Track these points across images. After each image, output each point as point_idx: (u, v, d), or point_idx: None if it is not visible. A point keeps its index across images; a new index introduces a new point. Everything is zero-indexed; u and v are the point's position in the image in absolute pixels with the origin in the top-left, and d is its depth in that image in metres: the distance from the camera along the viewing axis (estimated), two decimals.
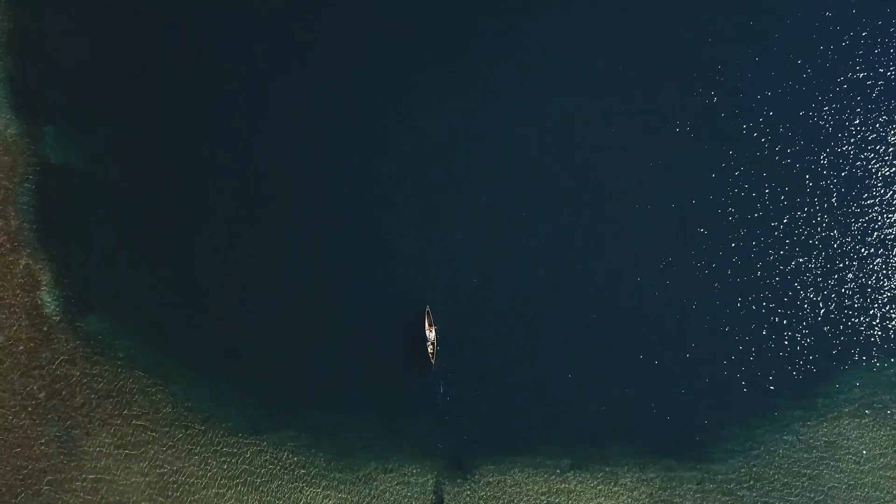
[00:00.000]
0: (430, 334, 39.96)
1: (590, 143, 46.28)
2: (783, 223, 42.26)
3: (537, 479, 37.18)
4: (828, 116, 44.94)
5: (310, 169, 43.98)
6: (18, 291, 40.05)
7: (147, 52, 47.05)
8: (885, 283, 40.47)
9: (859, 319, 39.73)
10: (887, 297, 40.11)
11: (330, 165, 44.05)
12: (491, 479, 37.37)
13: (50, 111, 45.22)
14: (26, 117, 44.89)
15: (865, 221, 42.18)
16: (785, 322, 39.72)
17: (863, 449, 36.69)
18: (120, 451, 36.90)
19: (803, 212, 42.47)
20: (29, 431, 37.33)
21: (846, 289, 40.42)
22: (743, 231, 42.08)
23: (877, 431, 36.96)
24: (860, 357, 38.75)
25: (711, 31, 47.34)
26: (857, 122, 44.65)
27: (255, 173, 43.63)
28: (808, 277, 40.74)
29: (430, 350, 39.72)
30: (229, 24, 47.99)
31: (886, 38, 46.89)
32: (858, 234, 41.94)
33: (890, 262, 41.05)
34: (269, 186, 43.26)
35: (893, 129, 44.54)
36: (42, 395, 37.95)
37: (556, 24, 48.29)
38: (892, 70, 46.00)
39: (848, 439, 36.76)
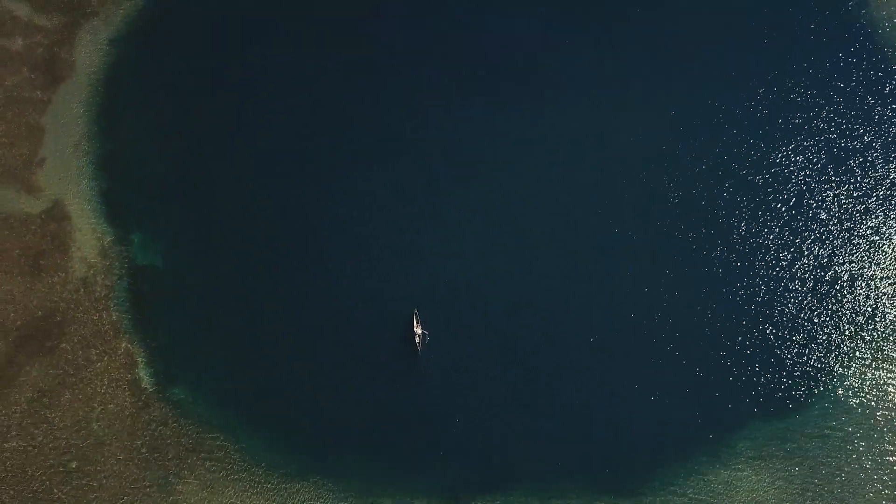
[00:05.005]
0: (418, 330, 51.06)
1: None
2: (701, 290, 52.73)
3: None
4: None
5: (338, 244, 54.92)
6: (122, 369, 50.93)
7: (213, 168, 57.52)
8: (776, 353, 51.26)
9: (754, 384, 50.52)
10: (775, 365, 50.91)
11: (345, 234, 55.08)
12: None
13: (135, 221, 55.61)
14: (118, 227, 55.32)
15: (769, 295, 52.93)
16: (701, 385, 50.57)
17: (752, 486, 47.35)
18: (204, 492, 47.71)
19: (718, 283, 53.30)
20: (135, 477, 48.04)
21: (744, 359, 51.26)
22: (674, 293, 52.57)
23: (763, 474, 47.51)
24: (754, 415, 49.13)
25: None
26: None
27: (311, 280, 53.78)
28: (716, 347, 51.56)
29: (416, 342, 50.92)
30: (286, 142, 58.33)
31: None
32: (763, 302, 52.70)
33: (785, 331, 51.84)
34: (322, 284, 54.07)
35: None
36: (144, 449, 48.85)
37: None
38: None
39: (741, 480, 47.39)
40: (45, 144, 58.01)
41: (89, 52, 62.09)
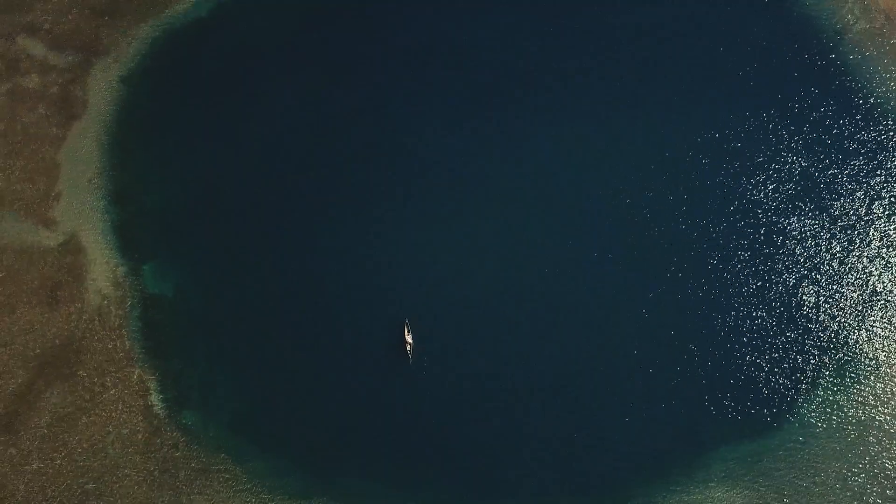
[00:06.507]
0: (408, 338, 53.48)
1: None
2: (676, 317, 54.83)
3: None
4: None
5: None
6: (135, 395, 52.95)
7: (219, 201, 59.48)
8: (746, 376, 53.57)
9: (726, 407, 52.79)
10: (745, 389, 53.22)
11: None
12: None
13: (147, 253, 57.56)
14: (130, 258, 57.29)
15: (739, 321, 55.17)
16: (677, 406, 52.82)
17: None
18: None
19: (692, 309, 55.53)
20: (148, 497, 49.95)
21: (717, 383, 53.58)
22: (649, 319, 54.61)
23: (734, 492, 49.59)
24: (726, 436, 51.24)
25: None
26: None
27: (318, 310, 55.78)
28: (691, 370, 53.81)
29: (408, 349, 53.31)
30: (291, 176, 60.28)
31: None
32: (733, 327, 54.98)
33: (754, 355, 54.15)
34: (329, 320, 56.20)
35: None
36: (156, 471, 50.81)
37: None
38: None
39: (714, 498, 49.36)
40: (61, 179, 59.96)
41: (102, 89, 64.03)
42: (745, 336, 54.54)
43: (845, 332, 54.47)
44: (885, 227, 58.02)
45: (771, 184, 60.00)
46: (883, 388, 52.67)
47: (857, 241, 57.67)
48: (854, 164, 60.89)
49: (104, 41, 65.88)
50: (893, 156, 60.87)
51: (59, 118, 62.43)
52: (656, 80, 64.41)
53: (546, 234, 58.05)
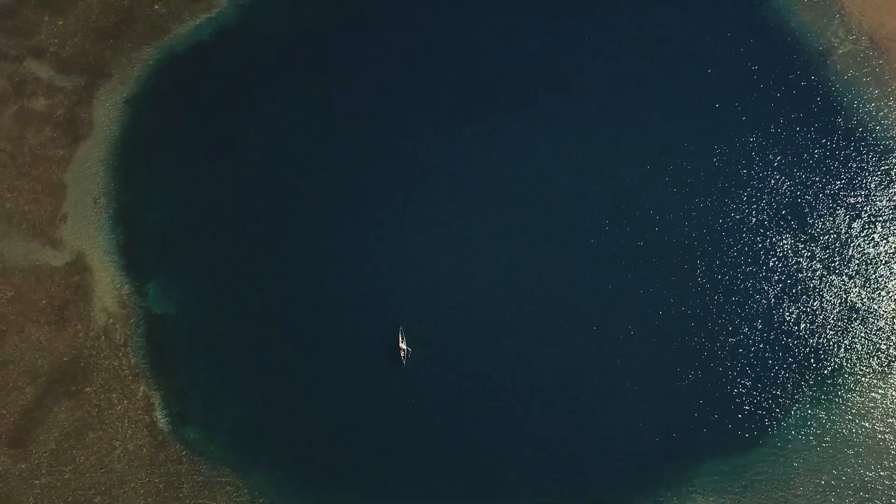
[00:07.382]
0: (403, 344, 54.68)
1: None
2: (660, 333, 55.97)
3: None
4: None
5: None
6: (140, 411, 54.23)
7: (222, 220, 60.59)
8: (729, 393, 55.03)
9: (709, 423, 54.18)
10: (728, 406, 54.66)
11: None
12: None
13: (150, 271, 58.64)
14: (135, 277, 58.50)
15: (721, 337, 56.61)
16: (661, 423, 54.24)
17: None
18: None
19: (676, 326, 56.93)
20: None
21: (701, 400, 54.99)
22: (633, 334, 55.76)
23: None
24: (710, 452, 52.70)
25: None
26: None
27: (319, 328, 56.89)
28: (675, 388, 55.18)
29: (402, 355, 54.54)
30: (294, 195, 61.21)
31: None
32: (716, 343, 56.42)
33: (737, 372, 55.59)
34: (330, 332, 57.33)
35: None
36: (161, 485, 52.15)
37: None
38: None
39: None
40: (68, 200, 61.04)
41: (106, 110, 65.05)
42: (728, 352, 55.93)
43: (825, 351, 55.86)
44: (864, 245, 59.41)
45: (754, 202, 61.32)
46: (862, 403, 54.13)
47: (837, 259, 59.01)
48: (835, 183, 62.18)
49: (109, 64, 66.88)
50: (873, 176, 62.21)
51: (65, 140, 63.59)
52: (643, 97, 65.32)
53: (544, 236, 58.85)
